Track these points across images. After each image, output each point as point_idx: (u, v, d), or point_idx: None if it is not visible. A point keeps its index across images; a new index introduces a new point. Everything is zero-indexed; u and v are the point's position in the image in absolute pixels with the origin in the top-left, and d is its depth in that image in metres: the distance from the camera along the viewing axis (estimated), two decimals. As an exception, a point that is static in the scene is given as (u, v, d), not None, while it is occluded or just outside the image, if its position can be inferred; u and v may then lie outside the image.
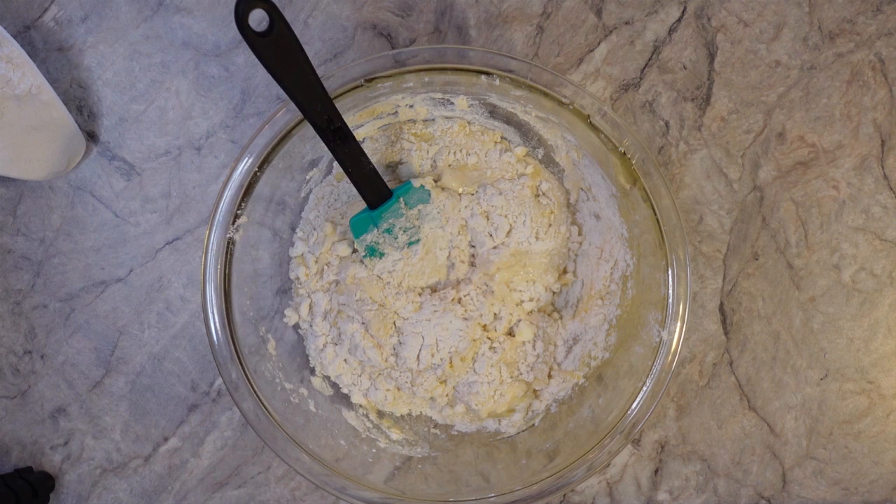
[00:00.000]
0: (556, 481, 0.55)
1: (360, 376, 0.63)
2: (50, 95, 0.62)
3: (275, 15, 0.44)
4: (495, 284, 0.62)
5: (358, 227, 0.60)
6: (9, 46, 0.61)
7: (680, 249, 0.55)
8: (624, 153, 0.55)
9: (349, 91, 0.54)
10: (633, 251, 0.60)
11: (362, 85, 0.55)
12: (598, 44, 0.65)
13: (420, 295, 0.62)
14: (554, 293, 0.64)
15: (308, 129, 0.54)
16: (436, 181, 0.62)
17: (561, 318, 0.64)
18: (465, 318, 0.62)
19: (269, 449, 0.60)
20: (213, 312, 0.56)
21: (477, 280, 0.62)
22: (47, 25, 0.66)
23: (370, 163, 0.56)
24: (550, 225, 0.63)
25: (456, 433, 0.65)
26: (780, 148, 0.66)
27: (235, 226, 0.56)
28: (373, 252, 0.61)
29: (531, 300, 0.63)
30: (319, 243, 0.63)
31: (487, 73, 0.55)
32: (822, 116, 0.66)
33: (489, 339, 0.63)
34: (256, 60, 0.46)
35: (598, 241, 0.62)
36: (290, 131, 0.55)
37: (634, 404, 0.55)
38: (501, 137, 0.63)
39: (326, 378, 0.64)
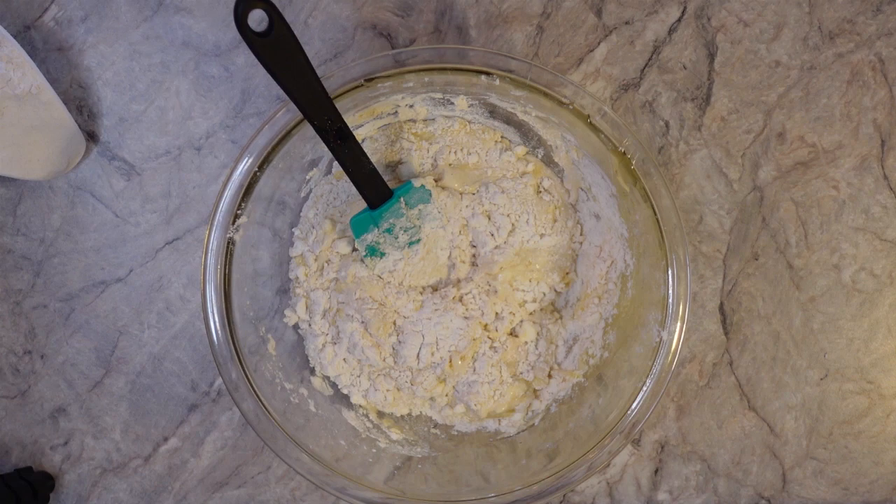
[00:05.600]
0: (556, 481, 0.55)
1: (359, 377, 0.63)
2: (50, 95, 0.62)
3: (274, 15, 0.44)
4: (499, 284, 0.62)
5: (358, 227, 0.60)
6: (9, 46, 0.61)
7: (680, 249, 0.55)
8: (624, 153, 0.55)
9: (349, 91, 0.54)
10: (633, 251, 0.60)
11: (362, 85, 0.55)
12: (598, 44, 0.65)
13: (421, 293, 0.62)
14: (557, 293, 0.64)
15: (308, 129, 0.54)
16: (436, 181, 0.62)
17: (561, 317, 0.64)
18: (466, 318, 0.62)
19: (269, 449, 0.59)
20: (213, 312, 0.56)
21: (479, 279, 0.62)
22: (47, 25, 0.66)
23: (370, 163, 0.56)
24: (556, 220, 0.63)
25: (456, 433, 0.65)
26: (780, 148, 0.66)
27: (235, 226, 0.56)
28: (373, 252, 0.61)
29: (534, 301, 0.63)
30: (319, 241, 0.63)
31: (487, 73, 0.55)
32: (822, 116, 0.66)
33: (490, 338, 0.63)
34: (256, 60, 0.46)
35: (598, 241, 0.62)
36: (290, 131, 0.55)
37: (634, 404, 0.55)
38: (502, 137, 0.63)
39: (326, 378, 0.64)
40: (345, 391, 0.64)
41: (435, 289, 0.63)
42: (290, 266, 0.64)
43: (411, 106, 0.60)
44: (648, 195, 0.55)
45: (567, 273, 0.64)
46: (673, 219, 0.55)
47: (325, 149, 0.54)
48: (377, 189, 0.58)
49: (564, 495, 0.67)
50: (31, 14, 0.66)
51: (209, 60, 0.66)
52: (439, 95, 0.59)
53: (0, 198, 0.67)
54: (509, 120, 0.61)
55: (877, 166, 0.66)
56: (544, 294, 0.64)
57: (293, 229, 0.64)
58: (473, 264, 0.63)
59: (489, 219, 0.62)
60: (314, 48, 0.65)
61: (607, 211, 0.61)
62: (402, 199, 0.60)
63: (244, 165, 0.55)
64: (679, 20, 0.65)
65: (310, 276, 0.63)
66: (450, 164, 0.63)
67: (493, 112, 0.61)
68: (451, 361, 0.62)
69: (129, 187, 0.66)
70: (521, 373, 0.63)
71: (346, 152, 0.54)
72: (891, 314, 0.66)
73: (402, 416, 0.65)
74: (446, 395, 0.63)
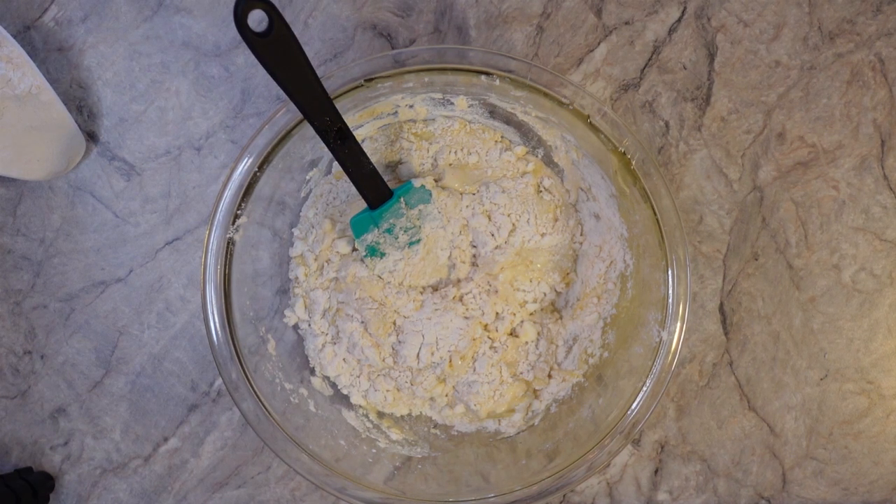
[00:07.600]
0: (556, 481, 0.55)
1: (358, 377, 0.63)
2: (50, 95, 0.62)
3: (274, 15, 0.44)
4: (499, 284, 0.62)
5: (358, 227, 0.60)
6: (9, 46, 0.61)
7: (680, 249, 0.55)
8: (624, 153, 0.55)
9: (349, 91, 0.54)
10: (632, 251, 0.60)
11: (362, 85, 0.55)
12: (598, 44, 0.65)
13: (421, 293, 0.62)
14: (558, 293, 0.64)
15: (308, 129, 0.54)
16: (436, 181, 0.62)
17: (561, 318, 0.64)
18: (466, 318, 0.62)
19: (269, 449, 0.60)
20: (213, 312, 0.56)
21: (479, 279, 0.62)
22: (47, 25, 0.66)
23: (370, 163, 0.56)
24: (556, 219, 0.63)
25: (456, 433, 0.65)
26: (780, 148, 0.66)
27: (235, 226, 0.56)
28: (373, 252, 0.61)
29: (535, 301, 0.63)
30: (318, 241, 0.63)
31: (487, 74, 0.55)
32: (822, 116, 0.66)
33: (490, 338, 0.63)
34: (256, 60, 0.46)
35: (598, 241, 0.62)
36: (290, 131, 0.55)
37: (634, 404, 0.55)
38: (502, 137, 0.63)
39: (326, 378, 0.64)
40: (345, 391, 0.64)
41: (435, 289, 0.63)
42: (290, 266, 0.64)
43: (411, 106, 0.60)
44: (648, 195, 0.55)
45: (567, 273, 0.64)
46: (673, 219, 0.55)
47: (325, 149, 0.54)
48: (377, 189, 0.58)
49: (564, 495, 0.67)
50: (31, 14, 0.66)
51: (209, 60, 0.66)
52: (439, 95, 0.59)
53: (0, 198, 0.67)
54: (509, 120, 0.61)
55: (877, 166, 0.66)
56: (545, 294, 0.63)
57: (293, 229, 0.64)
58: (474, 264, 0.63)
59: (489, 218, 0.62)
60: (314, 48, 0.65)
61: (607, 211, 0.61)
62: (402, 199, 0.60)
63: (244, 165, 0.55)
64: (679, 20, 0.65)
65: (310, 275, 0.63)
66: (450, 164, 0.63)
67: (493, 112, 0.61)
68: (451, 361, 0.62)
69: (129, 187, 0.66)
70: (521, 373, 0.63)
71: (346, 152, 0.54)
72: (891, 314, 0.66)
73: (402, 417, 0.65)
74: (446, 395, 0.63)
